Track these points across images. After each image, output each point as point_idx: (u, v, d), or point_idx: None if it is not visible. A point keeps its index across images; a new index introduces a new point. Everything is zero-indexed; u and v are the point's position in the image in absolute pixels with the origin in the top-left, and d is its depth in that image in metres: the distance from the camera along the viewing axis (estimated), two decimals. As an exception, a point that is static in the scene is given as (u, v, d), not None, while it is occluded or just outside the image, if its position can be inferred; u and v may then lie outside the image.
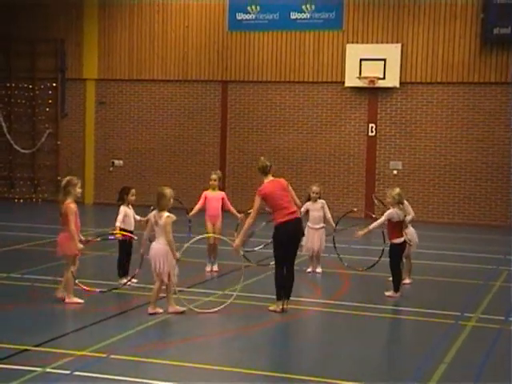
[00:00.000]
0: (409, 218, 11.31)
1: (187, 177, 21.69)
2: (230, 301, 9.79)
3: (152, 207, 10.14)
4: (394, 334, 9.69)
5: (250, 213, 10.07)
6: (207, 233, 11.95)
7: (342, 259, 12.62)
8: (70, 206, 9.72)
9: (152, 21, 21.80)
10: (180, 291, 10.06)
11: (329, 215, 12.48)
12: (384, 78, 19.74)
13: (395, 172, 20.26)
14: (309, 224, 12.32)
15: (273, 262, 10.18)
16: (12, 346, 7.81)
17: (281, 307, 9.76)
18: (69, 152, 22.75)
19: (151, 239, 9.64)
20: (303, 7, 20.56)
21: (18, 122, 22.72)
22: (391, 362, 8.22)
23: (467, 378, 7.39)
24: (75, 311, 9.61)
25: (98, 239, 11.68)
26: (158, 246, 9.34)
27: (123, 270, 11.05)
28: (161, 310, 9.44)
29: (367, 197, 19.89)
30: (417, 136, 20.11)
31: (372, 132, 20.33)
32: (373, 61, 19.70)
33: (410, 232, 11.49)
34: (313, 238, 12.33)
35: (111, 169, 22.44)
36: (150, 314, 9.34)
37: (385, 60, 19.69)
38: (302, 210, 11.94)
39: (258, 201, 9.83)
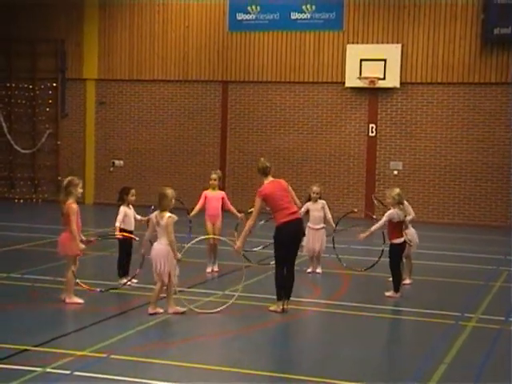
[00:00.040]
0: (409, 218, 11.31)
1: (187, 177, 21.69)
2: (232, 301, 9.80)
3: (153, 207, 10.14)
4: (394, 334, 9.70)
5: (250, 212, 10.08)
6: (207, 233, 11.95)
7: (340, 259, 12.63)
8: (72, 206, 9.72)
9: (152, 21, 21.81)
10: (180, 291, 10.06)
11: (329, 215, 12.48)
12: (384, 79, 19.74)
13: (395, 172, 20.26)
14: (309, 224, 12.32)
15: (273, 262, 10.19)
16: (12, 346, 7.81)
17: (281, 307, 9.76)
18: (69, 152, 22.76)
19: (152, 240, 9.64)
20: (303, 7, 20.56)
21: (19, 122, 22.72)
22: (391, 363, 8.23)
23: (467, 379, 7.39)
24: (75, 311, 9.61)
25: (99, 239, 11.68)
26: (160, 247, 9.35)
27: (123, 270, 11.05)
28: (161, 310, 9.45)
29: (367, 197, 19.88)
30: (417, 136, 20.11)
31: (372, 132, 20.33)
32: (373, 61, 19.70)
33: (411, 232, 11.49)
34: (313, 239, 12.33)
35: (111, 169, 22.44)
36: (150, 314, 9.34)
37: (385, 60, 19.69)
38: (303, 210, 11.94)
39: (258, 202, 9.83)
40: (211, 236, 11.76)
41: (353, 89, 20.25)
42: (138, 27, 21.94)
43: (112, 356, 7.66)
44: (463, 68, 19.60)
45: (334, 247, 12.59)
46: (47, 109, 22.58)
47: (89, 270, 11.86)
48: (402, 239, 10.85)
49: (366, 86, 19.88)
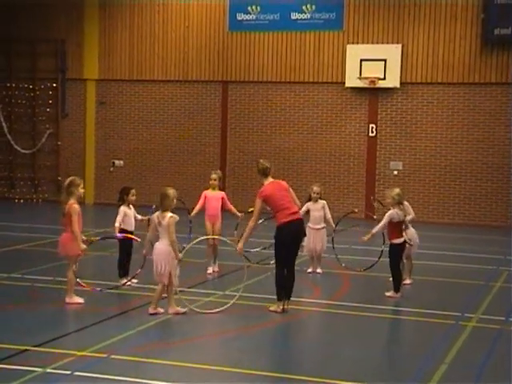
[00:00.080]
0: (409, 218, 11.31)
1: (187, 177, 21.69)
2: (234, 301, 9.80)
3: (154, 206, 10.14)
4: (394, 334, 9.70)
5: (250, 212, 10.07)
6: (206, 233, 11.95)
7: (339, 259, 12.63)
8: (74, 206, 9.72)
9: (152, 21, 21.81)
10: (181, 291, 10.06)
11: (329, 216, 12.48)
12: (384, 79, 19.74)
13: (395, 172, 20.26)
14: (309, 224, 12.31)
15: (273, 262, 10.19)
16: (12, 347, 7.81)
17: (281, 307, 9.76)
18: (69, 152, 22.75)
19: (152, 242, 9.62)
20: (304, 8, 20.56)
21: (19, 122, 22.72)
22: (392, 363, 8.23)
23: (468, 379, 7.39)
24: (76, 311, 9.61)
25: (98, 239, 11.68)
26: (161, 247, 9.34)
27: (124, 271, 11.05)
28: (162, 310, 9.45)
29: (367, 197, 19.86)
30: (417, 136, 20.11)
31: (372, 132, 20.32)
32: (373, 61, 19.70)
33: (411, 233, 11.49)
34: (314, 239, 12.33)
35: (112, 169, 22.44)
36: (151, 314, 9.34)
37: (385, 60, 19.69)
38: (303, 209, 11.94)
39: (258, 203, 9.82)
40: (212, 236, 11.76)
41: (353, 89, 20.25)
42: (138, 27, 21.94)
43: (112, 356, 7.66)
44: (463, 68, 19.60)
45: (333, 247, 12.60)
46: (47, 109, 22.58)
47: (89, 270, 11.86)
48: (401, 239, 10.85)
49: (366, 86, 19.88)
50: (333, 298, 10.86)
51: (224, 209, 12.25)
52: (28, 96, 22.59)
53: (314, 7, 20.47)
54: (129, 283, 10.79)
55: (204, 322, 9.27)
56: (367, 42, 20.13)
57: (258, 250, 13.06)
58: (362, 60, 19.77)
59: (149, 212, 10.95)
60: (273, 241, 9.90)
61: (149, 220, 11.05)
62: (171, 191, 9.49)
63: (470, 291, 11.62)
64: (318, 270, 12.54)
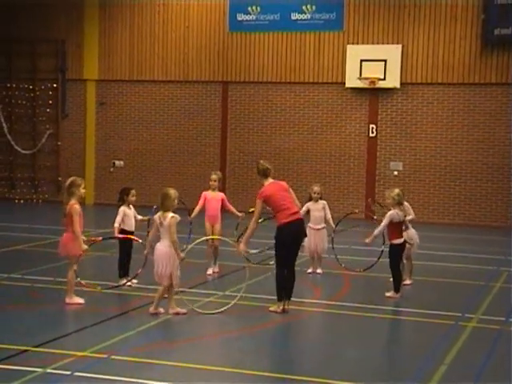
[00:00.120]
0: (409, 218, 11.31)
1: (188, 177, 21.70)
2: (235, 301, 9.79)
3: (155, 207, 10.14)
4: (394, 334, 9.69)
5: (251, 212, 10.07)
6: (206, 234, 11.94)
7: (338, 260, 12.62)
8: (75, 206, 9.72)
9: (152, 21, 21.82)
10: (181, 292, 10.06)
11: (329, 216, 12.48)
12: (384, 79, 19.75)
13: (396, 173, 20.26)
14: (310, 224, 12.31)
15: (273, 262, 10.18)
16: (12, 347, 7.80)
17: (281, 308, 9.75)
18: (69, 153, 22.76)
19: (154, 242, 9.62)
20: (304, 8, 20.57)
21: (19, 122, 22.74)
22: (392, 363, 8.23)
23: (468, 379, 7.38)
24: (76, 312, 9.61)
25: (99, 239, 11.68)
26: (162, 248, 9.33)
27: (124, 271, 11.05)
28: (162, 311, 9.44)
29: (367, 198, 19.87)
30: (417, 137, 20.12)
31: (372, 133, 20.33)
32: (373, 62, 19.71)
33: (411, 233, 11.49)
34: (315, 239, 12.32)
35: (112, 169, 22.45)
36: (152, 314, 9.34)
37: (385, 61, 19.70)
38: (303, 209, 11.94)
39: (259, 204, 9.81)
40: (213, 237, 11.75)
41: (353, 89, 20.26)
42: (138, 28, 21.95)
43: (113, 356, 7.65)
44: (463, 68, 19.61)
45: (333, 247, 12.60)
46: (47, 109, 22.60)
47: (89, 271, 11.85)
48: (401, 239, 10.85)
49: (366, 86, 19.89)
50: (333, 299, 10.86)
51: (224, 210, 12.24)
52: (28, 96, 22.60)
53: (314, 7, 20.49)
54: (129, 283, 10.79)
55: (205, 323, 9.27)
56: (367, 43, 20.15)
57: (256, 251, 13.02)
58: (362, 60, 19.79)
59: (151, 213, 10.94)
60: (273, 241, 9.90)
61: (149, 220, 11.07)
62: (172, 191, 9.49)
63: (470, 292, 11.62)
64: (318, 271, 12.53)
